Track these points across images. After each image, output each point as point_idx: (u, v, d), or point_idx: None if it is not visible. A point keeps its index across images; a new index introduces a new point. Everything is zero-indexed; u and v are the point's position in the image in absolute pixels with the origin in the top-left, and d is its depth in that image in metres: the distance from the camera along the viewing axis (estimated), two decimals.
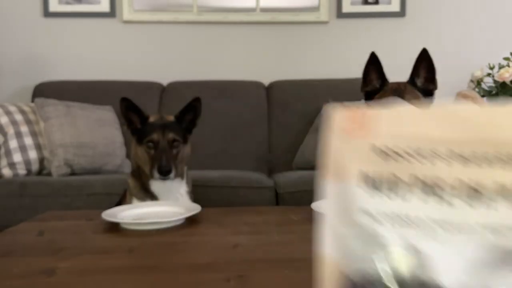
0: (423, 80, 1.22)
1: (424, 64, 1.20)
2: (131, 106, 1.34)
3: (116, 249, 0.82)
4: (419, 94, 1.20)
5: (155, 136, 1.31)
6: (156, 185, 1.36)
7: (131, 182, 1.40)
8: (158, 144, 1.31)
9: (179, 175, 1.39)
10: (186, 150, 1.40)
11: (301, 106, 2.49)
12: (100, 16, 2.75)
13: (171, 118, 1.39)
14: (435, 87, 1.23)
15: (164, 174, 1.26)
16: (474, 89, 2.45)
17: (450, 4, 2.78)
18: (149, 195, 1.36)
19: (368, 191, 0.29)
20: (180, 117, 1.39)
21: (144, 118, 1.36)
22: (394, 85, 1.21)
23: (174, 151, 1.33)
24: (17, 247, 0.85)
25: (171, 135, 1.32)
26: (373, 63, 1.20)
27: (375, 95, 1.22)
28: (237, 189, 1.81)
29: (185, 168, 1.44)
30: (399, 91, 1.18)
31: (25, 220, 1.71)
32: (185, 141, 1.38)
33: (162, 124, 1.35)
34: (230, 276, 0.65)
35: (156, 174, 1.27)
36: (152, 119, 1.37)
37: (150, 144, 1.31)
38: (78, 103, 2.31)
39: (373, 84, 1.23)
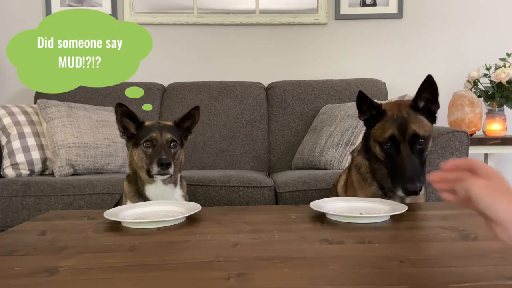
0: (425, 102, 1.21)
1: (428, 90, 1.19)
2: (127, 112, 1.32)
3: (118, 248, 0.83)
4: (422, 117, 1.19)
5: (153, 134, 1.30)
6: (150, 190, 1.33)
7: (126, 186, 1.39)
8: (157, 142, 1.29)
9: (173, 181, 1.36)
10: (181, 155, 1.38)
11: (300, 107, 2.50)
12: None
13: (168, 123, 1.38)
14: (437, 107, 1.23)
15: (165, 167, 1.23)
16: (470, 89, 2.46)
17: (447, 6, 2.78)
18: (143, 201, 1.32)
19: None
20: (179, 123, 1.38)
21: (139, 123, 1.34)
22: (394, 112, 1.20)
23: (172, 151, 1.31)
24: (20, 246, 0.86)
25: (169, 135, 1.31)
26: (361, 97, 1.23)
27: (375, 121, 1.22)
28: (237, 189, 1.82)
29: (179, 175, 1.41)
30: (403, 120, 1.17)
31: (28, 219, 1.74)
32: (181, 145, 1.37)
33: (159, 126, 1.34)
34: (230, 274, 0.66)
35: (155, 169, 1.24)
36: (147, 123, 1.36)
37: (148, 143, 1.29)
38: (80, 104, 2.32)
39: (369, 112, 1.25)
